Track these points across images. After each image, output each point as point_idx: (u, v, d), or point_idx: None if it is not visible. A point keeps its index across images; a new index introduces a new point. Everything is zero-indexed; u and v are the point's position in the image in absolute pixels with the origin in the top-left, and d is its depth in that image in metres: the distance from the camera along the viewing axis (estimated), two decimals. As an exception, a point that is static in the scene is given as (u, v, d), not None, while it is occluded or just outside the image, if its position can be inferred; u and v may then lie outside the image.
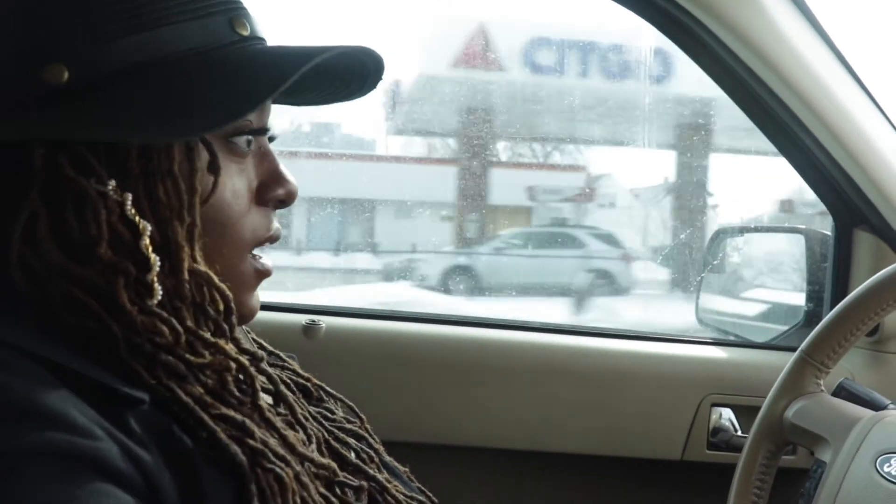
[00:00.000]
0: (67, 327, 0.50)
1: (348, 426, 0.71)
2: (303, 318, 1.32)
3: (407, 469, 0.76)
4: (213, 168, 0.55)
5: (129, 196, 0.51)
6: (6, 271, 0.50)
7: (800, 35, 1.21)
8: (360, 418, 0.74)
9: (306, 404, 0.67)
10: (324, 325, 1.31)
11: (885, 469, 0.87)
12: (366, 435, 0.72)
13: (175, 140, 0.53)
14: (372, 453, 0.69)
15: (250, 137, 0.59)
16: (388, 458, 0.73)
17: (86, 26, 0.51)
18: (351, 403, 0.76)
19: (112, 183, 0.51)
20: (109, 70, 0.51)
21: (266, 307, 1.37)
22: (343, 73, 0.64)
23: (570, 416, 1.35)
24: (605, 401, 1.36)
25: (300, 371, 0.72)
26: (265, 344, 0.73)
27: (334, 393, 0.75)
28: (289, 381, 0.68)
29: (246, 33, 0.57)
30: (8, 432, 0.42)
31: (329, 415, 0.70)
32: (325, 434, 0.66)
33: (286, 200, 0.63)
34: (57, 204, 0.50)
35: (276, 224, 0.63)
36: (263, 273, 0.63)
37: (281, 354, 0.73)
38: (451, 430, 1.34)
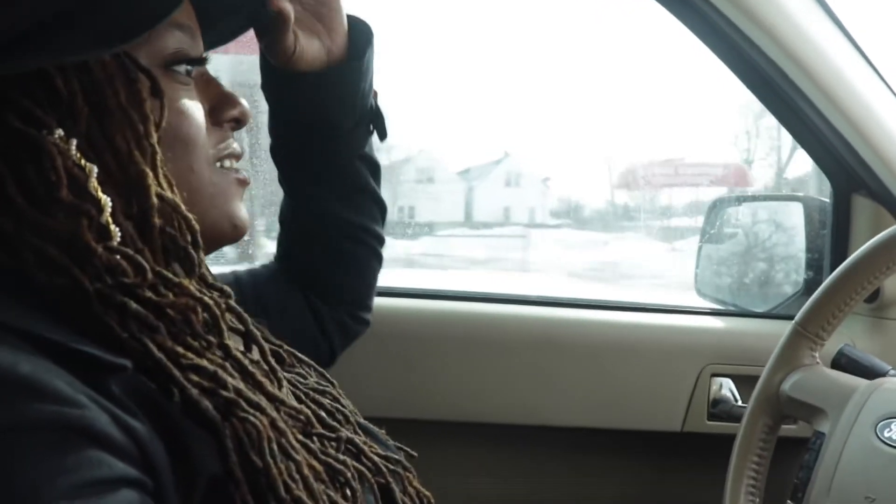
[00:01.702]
0: (42, 290, 0.50)
1: (321, 388, 0.71)
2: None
3: (384, 430, 0.75)
4: (156, 91, 0.56)
5: (74, 141, 0.52)
6: None
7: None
8: (332, 382, 0.74)
9: (279, 367, 0.66)
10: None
11: (886, 434, 0.87)
12: (339, 397, 0.72)
13: (96, 54, 0.52)
14: (347, 413, 0.69)
15: (189, 67, 0.61)
16: (362, 420, 0.72)
17: None
18: (322, 370, 0.75)
19: (59, 131, 0.51)
20: (36, 27, 0.51)
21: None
22: None
23: (568, 389, 1.35)
24: (604, 373, 1.35)
25: (271, 337, 0.71)
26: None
27: (305, 359, 0.75)
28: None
29: None
30: None
31: (301, 379, 0.70)
32: (302, 395, 0.66)
33: (240, 119, 0.66)
34: (16, 161, 0.51)
35: (235, 143, 0.66)
36: (243, 182, 0.66)
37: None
38: (448, 406, 1.34)
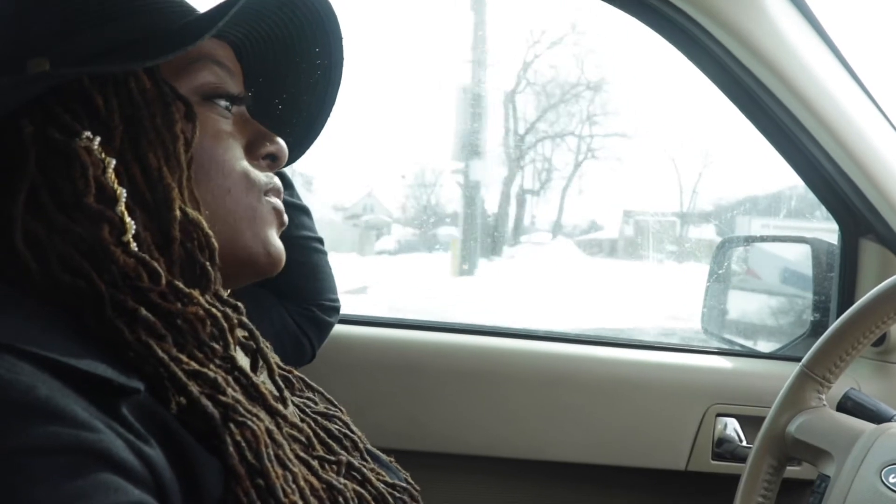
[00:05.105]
0: (53, 309, 0.51)
1: (330, 413, 0.71)
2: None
3: (392, 458, 0.76)
4: (190, 116, 0.59)
5: (112, 162, 0.55)
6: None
7: (804, 41, 1.20)
8: (340, 409, 0.75)
9: (289, 393, 0.67)
10: (328, 332, 1.31)
11: (892, 480, 0.86)
12: (348, 423, 0.72)
13: (129, 66, 0.56)
14: (355, 439, 0.69)
15: (227, 103, 0.64)
16: (371, 447, 0.73)
17: (63, 24, 0.56)
18: (330, 396, 0.76)
19: (97, 139, 0.55)
20: (85, 56, 0.56)
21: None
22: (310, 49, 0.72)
23: (574, 425, 1.35)
24: (610, 410, 1.35)
25: (281, 363, 0.72)
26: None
27: (315, 385, 0.76)
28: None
29: None
30: (11, 429, 0.42)
31: (311, 405, 0.71)
32: (311, 422, 0.66)
33: (276, 155, 0.67)
34: (50, 170, 0.54)
35: (275, 178, 0.67)
36: (280, 214, 0.67)
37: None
38: (455, 438, 1.34)
